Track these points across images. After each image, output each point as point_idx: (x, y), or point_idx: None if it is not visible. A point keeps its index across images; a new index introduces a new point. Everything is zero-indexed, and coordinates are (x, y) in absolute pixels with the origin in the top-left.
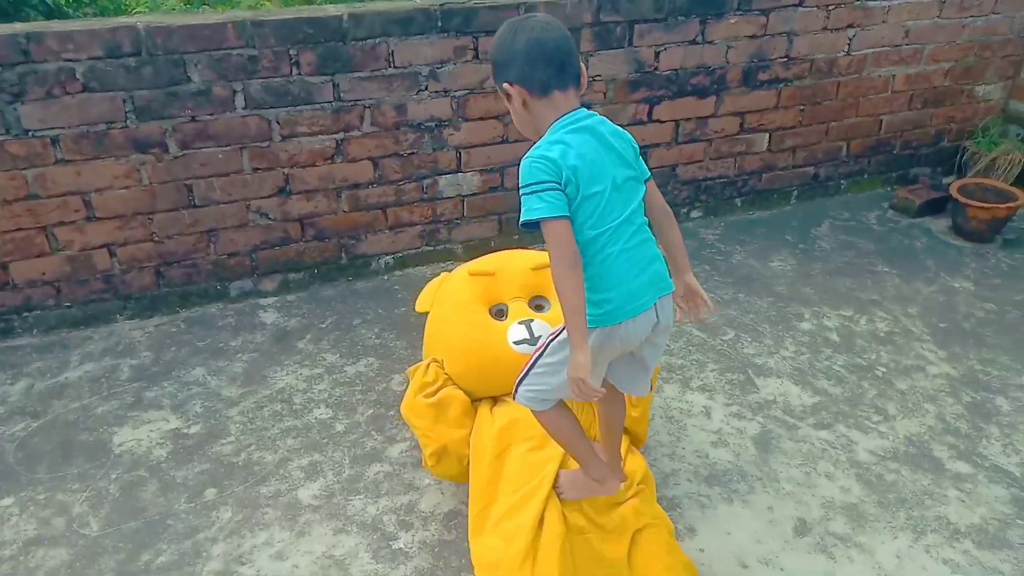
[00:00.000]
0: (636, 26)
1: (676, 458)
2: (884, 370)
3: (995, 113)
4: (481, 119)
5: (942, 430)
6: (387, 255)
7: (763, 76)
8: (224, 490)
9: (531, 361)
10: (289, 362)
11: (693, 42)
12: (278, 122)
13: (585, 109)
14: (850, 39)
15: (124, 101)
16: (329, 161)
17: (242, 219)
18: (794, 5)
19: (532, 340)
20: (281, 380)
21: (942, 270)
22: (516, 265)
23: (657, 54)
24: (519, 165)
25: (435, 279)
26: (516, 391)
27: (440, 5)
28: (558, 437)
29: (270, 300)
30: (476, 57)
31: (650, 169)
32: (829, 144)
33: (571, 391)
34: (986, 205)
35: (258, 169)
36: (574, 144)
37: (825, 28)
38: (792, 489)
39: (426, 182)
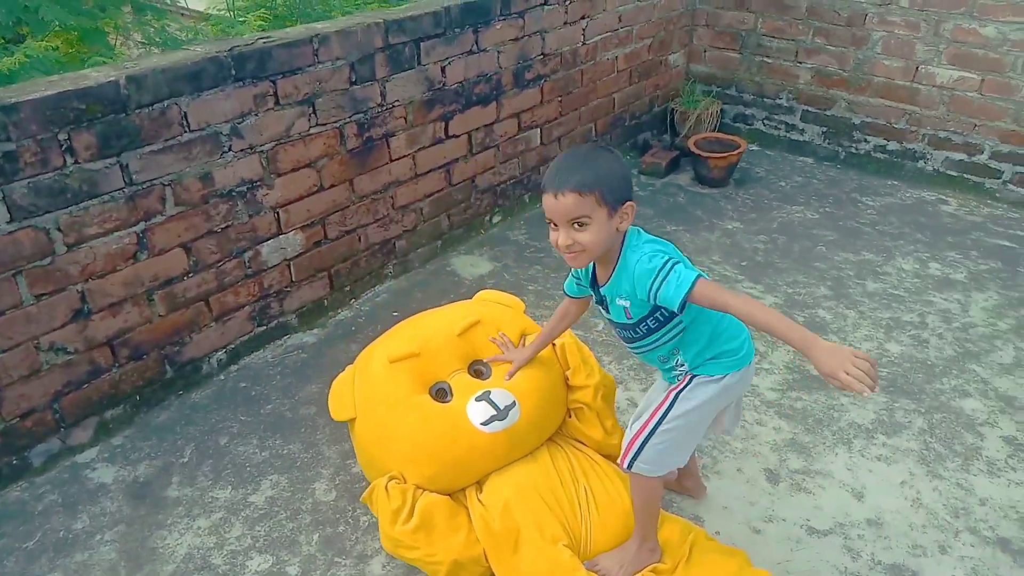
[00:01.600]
0: (422, 44)
1: None
2: None
3: (683, 77)
4: (294, 170)
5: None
6: (218, 351)
7: (528, 75)
8: None
9: (652, 424)
10: (173, 519)
11: (470, 52)
12: (59, 229)
13: None
14: (584, 30)
15: None
16: (132, 261)
17: (32, 364)
18: (540, 4)
19: (501, 414)
20: (180, 545)
21: (712, 217)
22: (439, 336)
23: (443, 69)
24: (342, 223)
25: (341, 377)
26: (631, 463)
27: (228, 50)
28: (649, 506)
29: (92, 453)
30: (278, 103)
31: (453, 186)
32: (583, 128)
33: (848, 379)
34: (723, 155)
35: (42, 295)
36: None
37: (566, 23)
38: (742, 445)
39: (247, 255)
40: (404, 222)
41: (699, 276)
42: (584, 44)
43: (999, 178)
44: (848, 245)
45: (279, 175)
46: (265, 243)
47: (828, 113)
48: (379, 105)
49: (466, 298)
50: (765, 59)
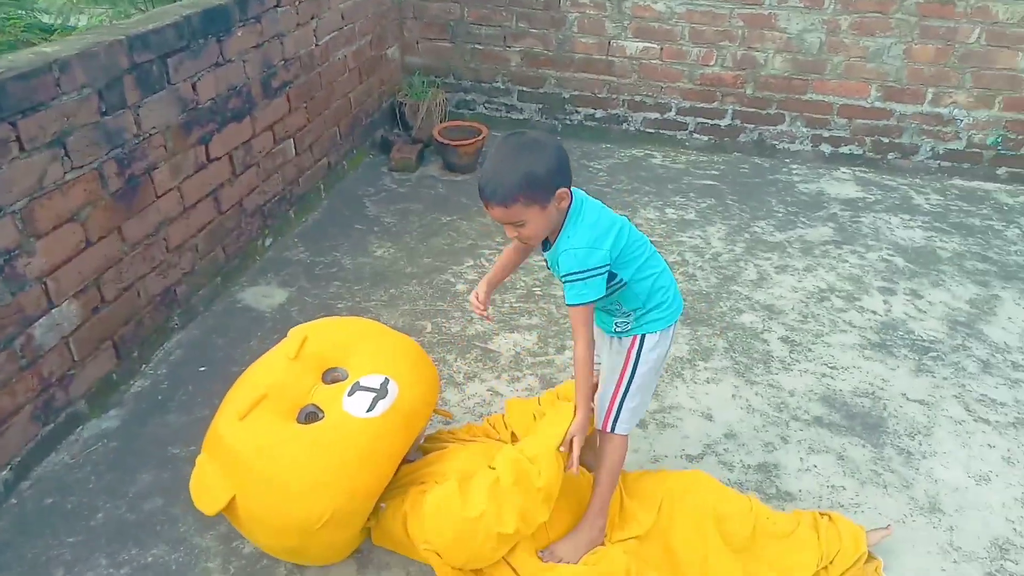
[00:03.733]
0: (168, 60)
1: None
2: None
3: (401, 70)
4: (56, 228)
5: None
6: (2, 472)
7: (275, 83)
8: None
9: (623, 386)
10: None
11: (218, 64)
12: None
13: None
14: (315, 30)
15: None
16: None
17: None
18: (274, 6)
19: (381, 392)
20: None
21: (478, 202)
22: (275, 368)
23: (194, 86)
24: (118, 280)
25: (196, 472)
26: (613, 425)
27: None
28: (616, 469)
29: None
30: (23, 149)
31: (223, 214)
32: (329, 132)
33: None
34: (470, 141)
35: None
36: (604, 215)
37: (299, 24)
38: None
39: (18, 342)
40: (182, 264)
41: (583, 304)
42: (317, 45)
43: (686, 129)
44: None
45: (39, 237)
46: (37, 323)
47: (541, 91)
48: (136, 136)
49: (273, 333)
50: (476, 46)
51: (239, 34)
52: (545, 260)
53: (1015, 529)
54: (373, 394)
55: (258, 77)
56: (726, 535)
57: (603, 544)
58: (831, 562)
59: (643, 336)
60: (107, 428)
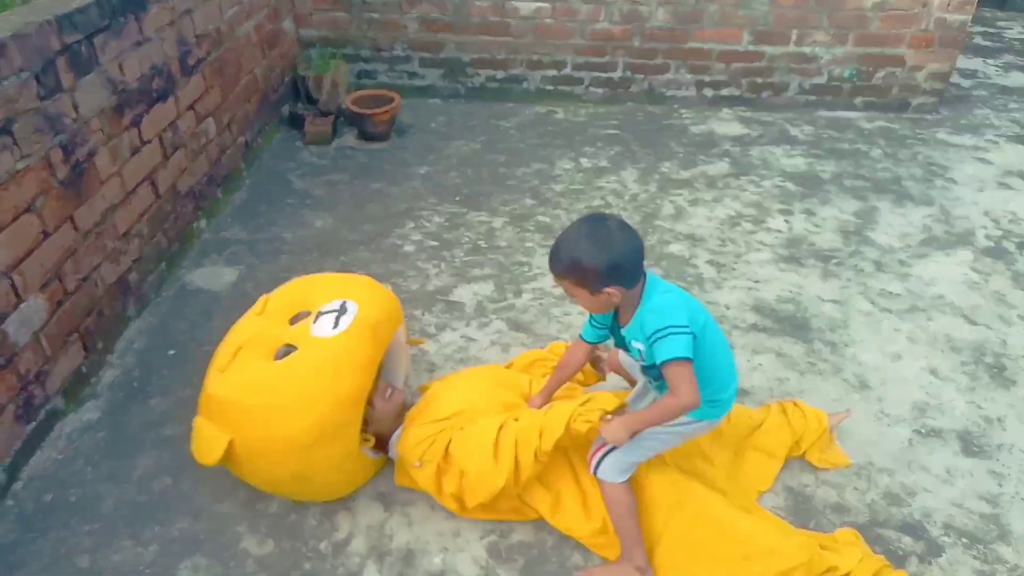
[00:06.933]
0: (95, 39)
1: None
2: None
3: (296, 42)
4: (15, 220)
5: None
6: None
7: (191, 61)
8: None
9: None
10: None
11: (139, 44)
12: None
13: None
14: (220, 5)
15: None
16: None
17: None
18: None
19: (342, 309)
20: None
21: (402, 168)
22: (248, 328)
23: (121, 66)
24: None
25: (193, 436)
26: (597, 467)
27: None
28: (624, 516)
29: None
30: None
31: (160, 197)
32: (243, 110)
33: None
34: (384, 109)
35: None
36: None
37: None
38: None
39: None
40: (131, 251)
41: (677, 358)
42: (223, 19)
43: (583, 84)
44: (519, 162)
45: (0, 230)
46: (8, 320)
47: (441, 56)
48: (75, 120)
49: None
50: (373, 15)
51: (154, 11)
52: (623, 347)
53: (927, 393)
54: (335, 314)
55: (176, 55)
56: (717, 433)
57: (645, 574)
58: (801, 437)
59: None
60: (89, 420)
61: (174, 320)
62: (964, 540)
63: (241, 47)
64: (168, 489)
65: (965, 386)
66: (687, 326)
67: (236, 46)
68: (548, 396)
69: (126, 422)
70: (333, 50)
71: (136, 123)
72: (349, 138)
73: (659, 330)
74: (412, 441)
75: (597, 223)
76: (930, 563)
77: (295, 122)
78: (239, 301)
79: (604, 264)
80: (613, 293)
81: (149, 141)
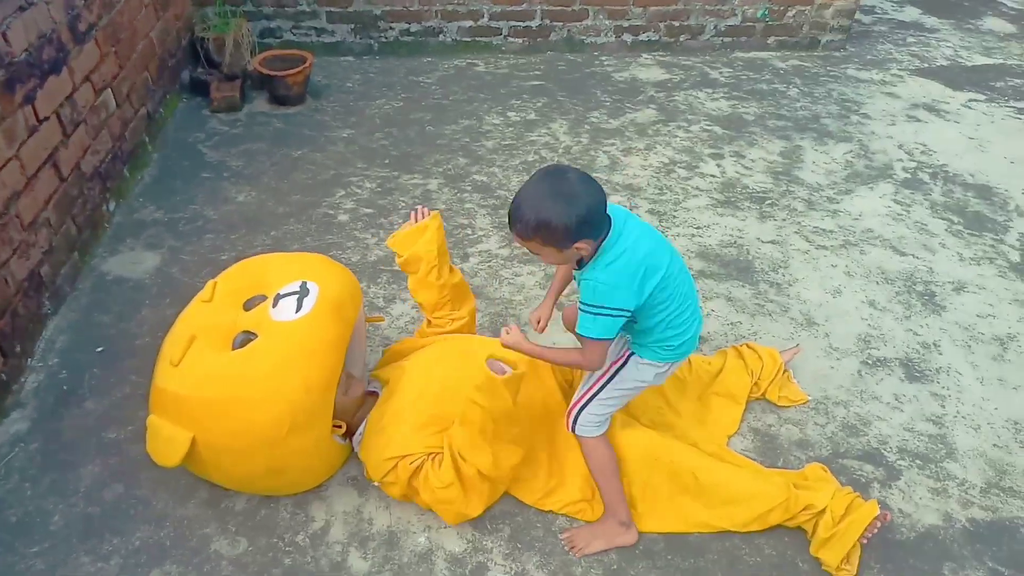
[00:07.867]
0: None
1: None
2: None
3: (192, 1)
4: None
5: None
6: None
7: (82, 27)
8: None
9: (591, 393)
10: None
11: (22, 8)
12: None
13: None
14: None
15: None
16: None
17: None
18: None
19: (302, 292)
20: None
21: (323, 132)
22: (198, 314)
23: (5, 36)
24: None
25: (149, 437)
26: (574, 424)
27: None
28: (605, 471)
29: None
30: None
31: (65, 180)
32: (141, 78)
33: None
34: (298, 70)
35: None
36: (634, 260)
37: None
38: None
39: None
40: (39, 242)
41: (590, 338)
42: None
43: (501, 35)
44: (445, 119)
45: None
46: None
47: (351, 10)
48: None
49: (160, 298)
50: None
51: None
52: (577, 279)
53: (869, 325)
54: (295, 296)
55: (64, 21)
56: (681, 384)
57: (629, 529)
58: (759, 377)
59: (632, 355)
60: (17, 432)
61: (97, 314)
62: (918, 462)
63: (133, 9)
64: (121, 497)
65: (901, 315)
66: (623, 308)
67: (128, 8)
68: (555, 299)
69: (61, 429)
70: (232, 7)
71: (30, 100)
72: (261, 103)
73: (593, 305)
74: (373, 460)
75: (559, 178)
76: (890, 487)
77: (197, 88)
78: (167, 288)
79: (573, 221)
80: (582, 247)
81: (47, 118)
